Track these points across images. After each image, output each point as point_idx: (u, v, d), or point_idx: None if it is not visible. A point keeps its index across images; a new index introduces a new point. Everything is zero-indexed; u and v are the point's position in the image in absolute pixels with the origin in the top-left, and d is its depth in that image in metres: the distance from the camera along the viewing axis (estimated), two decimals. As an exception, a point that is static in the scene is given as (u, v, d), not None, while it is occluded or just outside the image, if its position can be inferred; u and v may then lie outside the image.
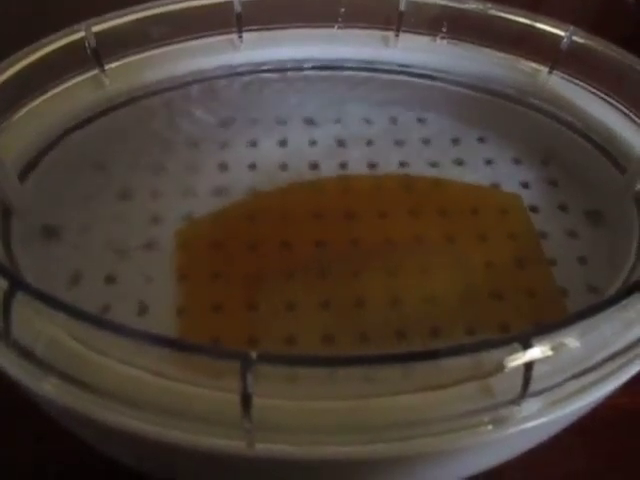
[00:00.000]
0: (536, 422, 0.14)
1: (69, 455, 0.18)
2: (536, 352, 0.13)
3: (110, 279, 0.18)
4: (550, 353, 0.14)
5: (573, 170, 0.22)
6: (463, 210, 0.21)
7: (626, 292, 0.14)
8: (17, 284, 0.13)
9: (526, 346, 0.13)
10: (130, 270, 0.19)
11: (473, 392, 0.14)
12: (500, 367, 0.14)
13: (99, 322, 0.12)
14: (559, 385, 0.14)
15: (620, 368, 0.15)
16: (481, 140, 0.23)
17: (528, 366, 0.13)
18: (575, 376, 0.14)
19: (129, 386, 0.14)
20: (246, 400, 0.12)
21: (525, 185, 0.22)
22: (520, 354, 0.13)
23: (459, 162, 0.23)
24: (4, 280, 0.13)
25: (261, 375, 0.13)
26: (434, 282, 0.20)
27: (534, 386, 0.14)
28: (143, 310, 0.18)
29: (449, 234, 0.21)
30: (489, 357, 0.14)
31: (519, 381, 0.13)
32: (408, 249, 0.20)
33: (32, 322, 0.14)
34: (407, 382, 0.15)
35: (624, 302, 0.14)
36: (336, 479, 0.15)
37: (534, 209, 0.22)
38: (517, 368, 0.13)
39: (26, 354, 0.14)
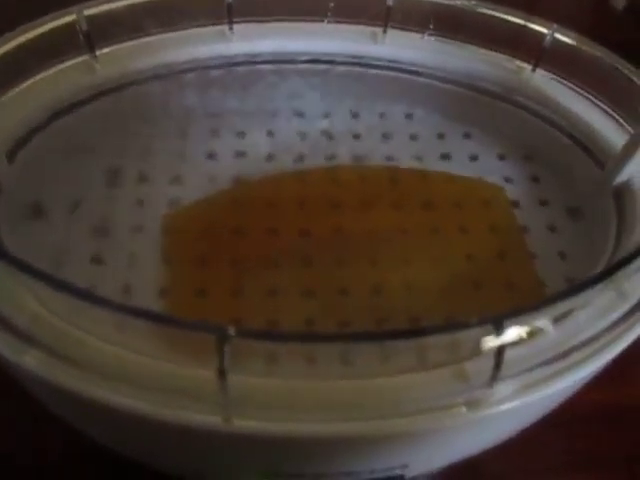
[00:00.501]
0: (509, 405, 0.14)
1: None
2: (509, 335, 0.13)
3: (95, 260, 0.19)
4: (523, 336, 0.14)
5: (555, 166, 0.23)
6: (447, 202, 0.22)
7: (598, 277, 0.14)
8: (5, 256, 0.13)
9: (499, 328, 0.13)
10: (115, 252, 0.19)
11: (448, 375, 0.14)
12: (474, 350, 0.14)
13: (77, 292, 0.13)
14: (532, 369, 0.15)
15: (594, 354, 0.15)
16: (466, 136, 0.24)
17: (500, 349, 0.13)
18: (548, 361, 0.15)
19: (108, 361, 0.14)
20: (222, 375, 0.13)
21: (508, 180, 0.23)
22: (493, 337, 0.13)
23: (445, 157, 0.23)
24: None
25: (240, 353, 0.13)
26: (416, 272, 0.20)
27: (507, 370, 0.14)
28: (127, 291, 0.18)
29: (432, 226, 0.21)
30: (464, 341, 0.15)
31: (491, 365, 0.14)
32: (391, 240, 0.20)
33: (15, 295, 0.14)
34: (384, 365, 0.15)
35: (597, 287, 0.14)
36: (311, 457, 0.15)
37: (516, 204, 0.22)
38: (490, 351, 0.14)
39: (8, 327, 0.14)
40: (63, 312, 0.14)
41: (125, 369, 0.14)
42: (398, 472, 0.17)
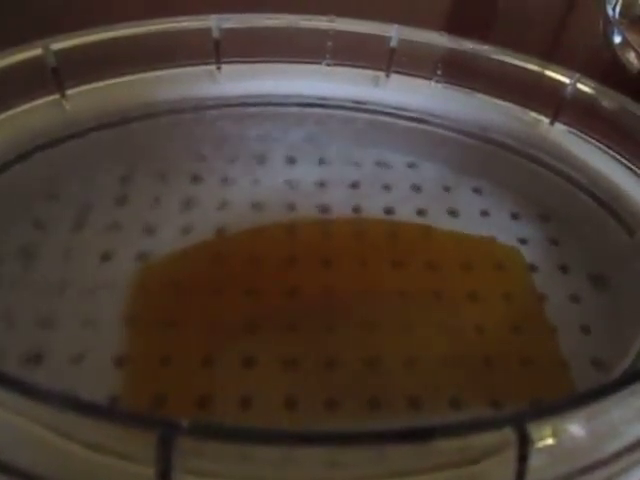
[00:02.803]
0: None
1: None
2: (532, 439, 0.11)
3: (47, 322, 0.16)
4: (550, 441, 0.11)
5: (576, 228, 0.20)
6: (454, 263, 0.19)
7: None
8: None
9: (521, 431, 0.10)
10: (71, 312, 0.16)
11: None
12: (488, 455, 0.12)
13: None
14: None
15: (635, 464, 0.12)
16: (476, 191, 0.22)
17: (522, 456, 0.11)
18: (580, 471, 0.12)
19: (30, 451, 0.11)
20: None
21: (523, 242, 0.20)
22: (513, 440, 0.11)
23: (451, 212, 0.21)
24: None
25: (193, 448, 0.11)
26: (417, 344, 0.17)
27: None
28: (79, 359, 0.15)
29: (437, 290, 0.19)
30: (476, 441, 0.12)
31: (510, 474, 0.11)
32: (389, 304, 0.18)
33: None
34: (378, 467, 0.12)
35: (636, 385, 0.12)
36: None
37: (533, 268, 0.20)
38: (509, 458, 0.11)
39: None
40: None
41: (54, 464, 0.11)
42: None
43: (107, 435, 0.11)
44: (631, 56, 0.48)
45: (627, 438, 0.12)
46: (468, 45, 0.20)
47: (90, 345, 0.16)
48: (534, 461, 0.11)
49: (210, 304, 0.17)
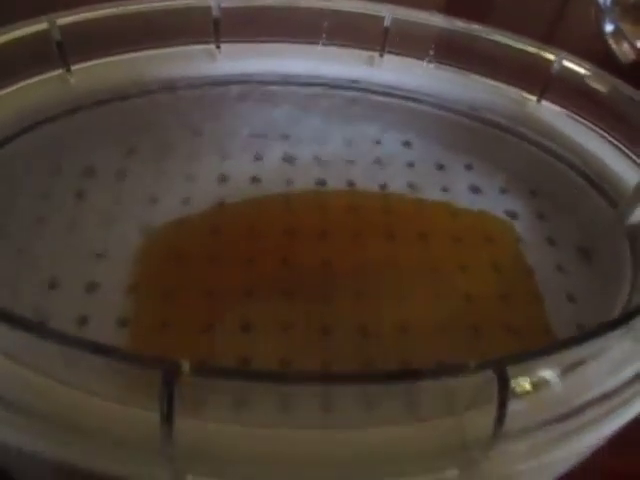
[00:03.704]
0: (512, 469, 0.12)
1: None
2: (512, 384, 0.11)
3: (51, 285, 0.17)
4: (528, 387, 0.12)
5: (562, 203, 0.21)
6: (446, 235, 0.20)
7: (615, 323, 0.13)
8: None
9: (501, 375, 0.11)
10: (75, 278, 0.17)
11: (440, 430, 0.12)
12: (471, 402, 0.12)
13: (11, 319, 0.11)
14: (539, 428, 0.12)
15: (609, 413, 0.13)
16: (468, 167, 0.22)
17: (502, 400, 0.11)
18: (557, 419, 0.13)
19: (39, 398, 0.12)
20: (168, 419, 0.11)
21: (512, 216, 0.21)
22: (494, 385, 0.11)
23: (444, 188, 0.22)
24: None
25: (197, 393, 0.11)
26: (409, 311, 0.18)
27: (509, 427, 0.12)
28: (82, 322, 0.16)
29: (429, 260, 0.19)
30: (461, 390, 0.12)
31: (492, 420, 0.12)
32: (383, 274, 0.19)
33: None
34: (367, 414, 0.13)
35: (613, 334, 0.12)
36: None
37: (521, 241, 0.20)
38: (491, 403, 0.12)
39: None
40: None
41: (60, 409, 0.12)
42: None
43: (113, 381, 0.12)
44: (623, 46, 0.49)
45: (601, 388, 0.13)
46: (459, 24, 0.21)
47: (94, 308, 0.17)
48: (513, 406, 0.12)
49: (210, 272, 0.18)
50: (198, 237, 0.19)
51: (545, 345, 0.12)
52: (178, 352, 0.16)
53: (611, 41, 0.49)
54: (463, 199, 0.21)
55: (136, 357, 0.10)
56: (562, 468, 0.15)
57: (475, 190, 0.22)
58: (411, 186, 0.21)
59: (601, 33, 0.49)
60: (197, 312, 0.17)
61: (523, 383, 0.12)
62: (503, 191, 0.22)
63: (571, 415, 0.13)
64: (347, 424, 0.12)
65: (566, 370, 0.13)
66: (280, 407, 0.12)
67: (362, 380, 0.11)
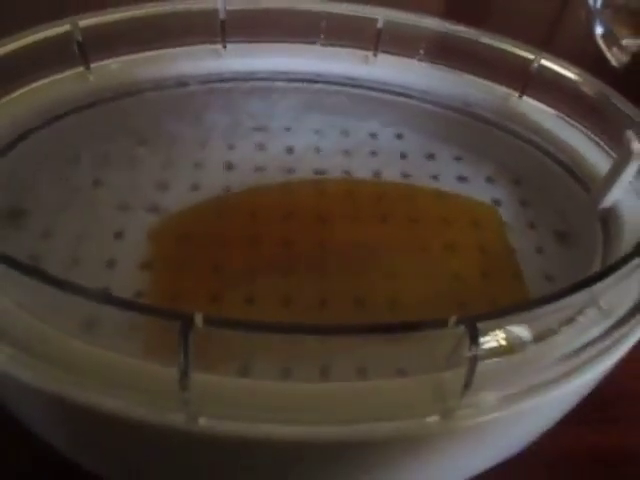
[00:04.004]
0: (482, 417, 0.14)
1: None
2: (483, 339, 0.13)
3: (74, 262, 0.18)
4: (499, 343, 0.14)
5: (543, 190, 0.23)
6: (436, 219, 0.21)
7: (576, 286, 0.14)
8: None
9: (472, 329, 0.13)
10: (94, 256, 0.19)
11: (422, 382, 0.14)
12: (450, 357, 0.14)
13: (47, 279, 0.12)
14: (511, 382, 0.14)
15: (577, 370, 0.15)
16: (457, 158, 0.24)
17: (473, 353, 0.13)
18: (528, 373, 0.14)
19: (73, 357, 0.14)
20: (185, 368, 0.12)
21: (497, 203, 0.23)
22: (466, 340, 0.13)
23: (434, 177, 0.23)
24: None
25: (208, 349, 0.13)
26: (400, 288, 0.20)
27: (483, 381, 0.14)
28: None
29: (419, 242, 0.21)
30: (440, 347, 0.14)
31: (463, 373, 0.13)
32: (376, 254, 0.20)
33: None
34: (359, 370, 0.15)
35: (575, 297, 0.14)
36: (282, 463, 0.14)
37: (505, 225, 0.22)
38: (464, 356, 0.13)
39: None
40: (33, 307, 0.14)
41: (90, 365, 0.14)
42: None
43: (135, 338, 0.14)
44: (613, 49, 0.50)
45: (568, 348, 0.14)
46: (448, 26, 0.23)
47: (113, 283, 0.18)
48: (486, 361, 0.13)
49: (217, 251, 0.20)
50: (206, 220, 0.20)
51: (514, 304, 0.13)
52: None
53: (602, 43, 0.51)
54: (452, 187, 0.23)
55: (157, 310, 0.12)
56: (534, 426, 0.17)
57: (463, 179, 0.23)
58: (404, 175, 0.23)
59: (592, 35, 0.51)
60: (205, 286, 0.19)
61: (494, 338, 0.13)
62: (489, 180, 0.23)
63: (539, 371, 0.14)
64: (341, 379, 0.14)
65: (537, 337, 0.14)
66: (281, 364, 0.14)
67: (346, 330, 0.13)
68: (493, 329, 0.13)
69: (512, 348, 0.14)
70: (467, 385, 0.13)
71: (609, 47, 0.50)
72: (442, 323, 0.13)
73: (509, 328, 0.14)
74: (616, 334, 0.15)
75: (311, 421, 0.13)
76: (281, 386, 0.14)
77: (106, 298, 0.12)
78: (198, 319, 0.12)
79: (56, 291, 0.13)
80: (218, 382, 0.13)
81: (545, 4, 0.56)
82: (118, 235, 0.19)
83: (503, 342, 0.14)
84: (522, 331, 0.14)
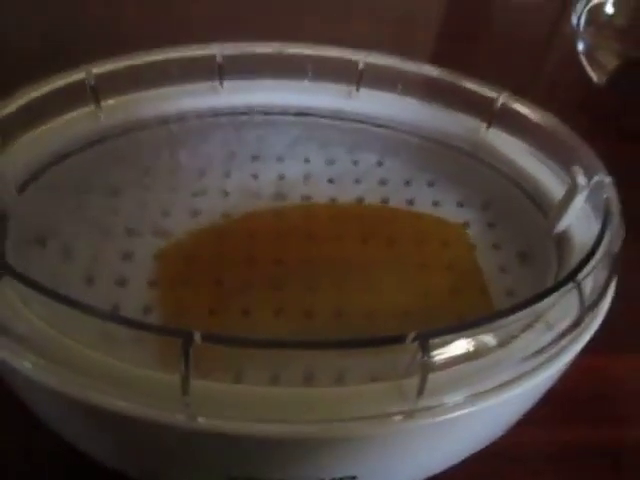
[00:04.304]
0: (437, 419, 0.16)
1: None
2: (433, 352, 0.16)
3: (88, 281, 0.21)
4: (450, 355, 0.16)
5: (508, 214, 0.25)
6: (410, 240, 0.24)
7: (521, 305, 0.17)
8: (6, 269, 0.15)
9: (424, 344, 0.15)
10: (106, 275, 0.21)
11: (387, 388, 0.16)
12: (409, 366, 0.16)
13: (68, 301, 0.15)
14: (463, 387, 0.17)
15: (520, 379, 0.17)
16: (430, 184, 0.26)
17: (424, 364, 0.15)
18: (477, 381, 0.17)
19: (90, 366, 0.16)
20: (186, 376, 0.15)
21: (467, 225, 0.25)
22: (419, 353, 0.16)
23: (410, 201, 0.26)
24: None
25: (207, 360, 0.16)
26: (376, 301, 0.22)
27: (434, 383, 0.16)
28: (115, 309, 0.20)
29: (395, 260, 0.23)
30: (400, 358, 0.17)
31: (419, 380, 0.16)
32: (356, 271, 0.23)
33: (15, 307, 0.17)
34: (336, 377, 0.17)
35: (519, 314, 0.17)
36: (266, 458, 0.17)
37: (472, 246, 0.24)
38: (418, 366, 0.16)
39: (7, 333, 0.16)
40: (56, 322, 0.17)
41: (104, 373, 0.16)
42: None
43: (139, 349, 0.16)
44: (595, 66, 0.52)
45: (522, 353, 0.17)
46: (424, 67, 0.25)
47: (123, 299, 0.21)
48: (439, 371, 0.16)
49: (217, 270, 0.22)
50: (206, 242, 0.23)
51: (461, 323, 0.16)
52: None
53: (584, 60, 0.53)
54: (426, 210, 0.25)
55: (162, 328, 0.15)
56: (486, 426, 0.19)
57: (436, 203, 0.26)
58: (383, 200, 0.26)
59: (576, 52, 0.53)
60: (206, 301, 0.21)
61: (447, 350, 0.16)
62: (459, 204, 0.26)
63: (485, 379, 0.17)
64: (320, 385, 0.17)
65: (482, 349, 0.17)
66: (270, 371, 0.16)
67: (324, 345, 0.15)
68: (447, 342, 0.16)
69: (477, 354, 0.17)
70: (420, 391, 0.16)
71: (590, 64, 0.53)
72: (401, 339, 0.15)
73: (455, 343, 0.16)
74: (559, 346, 0.18)
75: (294, 420, 0.16)
76: (269, 390, 0.16)
77: (120, 318, 0.15)
78: (197, 336, 0.15)
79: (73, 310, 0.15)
80: (214, 387, 0.16)
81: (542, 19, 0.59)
82: (127, 256, 0.22)
83: (460, 351, 0.16)
84: (470, 343, 0.16)
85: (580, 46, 0.53)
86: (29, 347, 0.16)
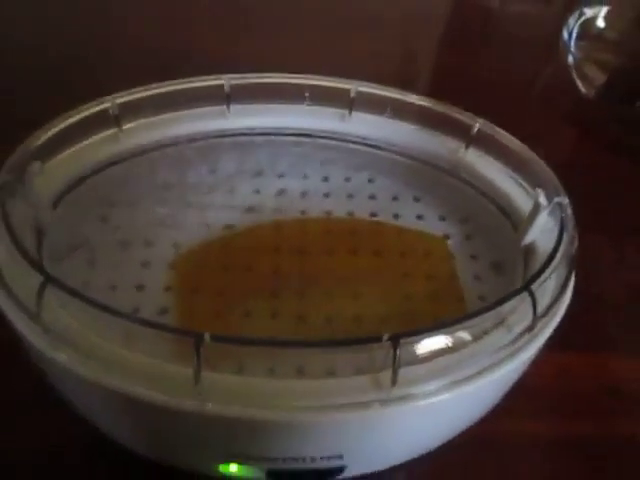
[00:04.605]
0: (408, 410, 0.19)
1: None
2: (404, 350, 0.19)
3: (111, 288, 0.24)
4: (421, 352, 0.19)
5: (484, 227, 0.28)
6: (395, 251, 0.27)
7: (484, 308, 0.20)
8: (49, 279, 0.19)
9: (395, 344, 0.18)
10: (127, 282, 0.24)
11: (366, 380, 0.19)
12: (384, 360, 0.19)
13: (98, 305, 0.18)
14: (432, 379, 0.19)
15: (480, 373, 0.20)
16: (416, 199, 0.29)
17: (396, 360, 0.18)
18: (443, 375, 0.20)
19: (117, 359, 0.19)
20: (197, 369, 0.18)
21: (447, 237, 0.28)
22: (392, 350, 0.19)
23: (396, 215, 0.29)
24: (40, 276, 0.19)
25: (219, 354, 0.19)
26: (363, 307, 0.25)
27: (424, 372, 0.19)
28: (136, 311, 0.24)
29: (380, 269, 0.26)
30: (379, 353, 0.20)
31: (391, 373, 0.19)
32: (345, 279, 0.26)
33: (53, 309, 0.20)
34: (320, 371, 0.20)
35: (483, 316, 0.20)
36: (266, 440, 0.20)
37: (451, 257, 0.27)
38: (390, 362, 0.19)
39: (49, 331, 0.19)
40: (88, 323, 0.20)
41: (128, 365, 0.19)
42: (337, 463, 0.22)
43: (158, 346, 0.19)
44: (584, 79, 0.55)
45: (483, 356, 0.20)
46: (409, 95, 0.28)
47: (142, 303, 0.24)
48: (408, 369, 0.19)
49: (221, 277, 0.25)
50: (213, 253, 0.26)
51: (432, 325, 0.19)
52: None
53: (574, 73, 0.56)
54: (411, 223, 0.28)
55: (177, 330, 0.18)
56: (451, 415, 0.22)
57: (420, 217, 0.29)
58: (372, 214, 0.29)
59: (566, 66, 0.56)
60: (213, 304, 0.24)
61: (415, 349, 0.19)
62: (441, 218, 0.29)
63: (452, 372, 0.20)
64: (310, 377, 0.20)
65: (449, 347, 0.20)
66: (268, 365, 0.19)
67: (312, 344, 0.18)
68: (416, 342, 0.19)
69: (436, 356, 0.20)
70: (394, 382, 0.19)
71: (580, 77, 0.55)
72: (377, 339, 0.18)
73: (425, 342, 0.19)
74: (516, 346, 0.21)
75: (288, 407, 0.19)
76: (266, 381, 0.19)
77: (142, 321, 0.18)
78: (207, 337, 0.18)
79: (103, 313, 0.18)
80: (221, 378, 0.19)
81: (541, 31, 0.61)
82: (145, 265, 0.25)
83: (428, 349, 0.19)
84: (437, 341, 0.19)
85: (570, 59, 0.55)
86: (65, 343, 0.19)
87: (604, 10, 0.58)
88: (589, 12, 0.58)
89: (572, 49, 0.55)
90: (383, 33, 0.54)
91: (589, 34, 0.57)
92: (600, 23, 0.58)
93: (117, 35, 0.50)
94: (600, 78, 0.54)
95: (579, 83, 0.55)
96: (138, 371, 0.19)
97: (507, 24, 0.65)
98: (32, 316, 0.19)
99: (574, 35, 0.57)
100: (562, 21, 0.58)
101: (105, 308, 0.19)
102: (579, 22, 0.57)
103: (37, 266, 0.19)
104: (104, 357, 0.19)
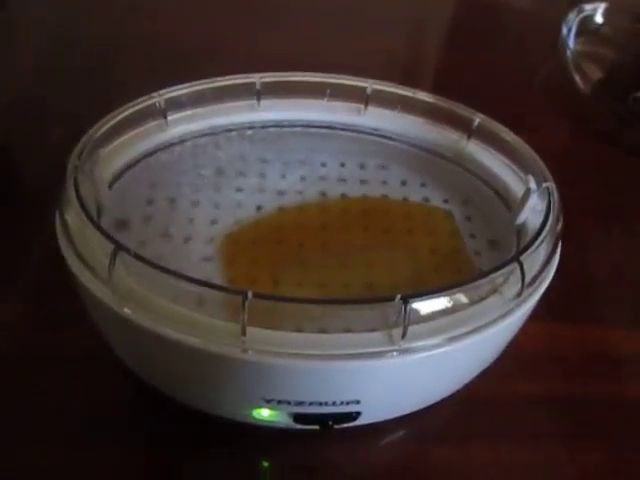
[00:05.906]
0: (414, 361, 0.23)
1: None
2: (413, 307, 0.22)
3: (163, 260, 0.28)
4: (426, 312, 0.23)
5: (482, 209, 0.32)
6: (404, 227, 0.31)
7: (479, 275, 0.24)
8: (120, 247, 0.22)
9: (405, 303, 0.22)
10: (173, 253, 0.28)
11: (382, 335, 0.23)
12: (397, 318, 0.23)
13: (157, 267, 0.22)
14: (436, 335, 0.23)
15: (475, 331, 0.24)
16: (423, 184, 0.33)
17: (406, 315, 0.22)
18: (447, 330, 0.24)
19: (174, 315, 0.23)
20: (243, 322, 0.22)
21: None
22: (403, 308, 0.22)
23: (405, 199, 0.32)
24: (111, 244, 0.23)
25: (258, 312, 0.22)
26: (375, 277, 0.29)
27: (433, 327, 0.23)
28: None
29: (391, 244, 0.30)
30: (392, 313, 0.23)
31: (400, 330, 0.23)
32: (360, 252, 0.29)
33: (120, 271, 0.23)
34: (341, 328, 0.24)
35: (477, 282, 0.24)
36: (296, 384, 0.23)
37: (454, 233, 0.31)
38: (400, 318, 0.22)
39: (115, 291, 0.23)
40: (148, 284, 0.24)
41: (185, 320, 0.23)
42: (354, 408, 0.25)
43: (211, 304, 0.23)
44: (582, 75, 0.58)
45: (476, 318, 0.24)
46: (418, 93, 0.32)
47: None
48: (419, 323, 0.23)
49: (256, 250, 0.29)
50: (249, 230, 0.30)
51: (436, 286, 0.23)
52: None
53: (572, 70, 0.58)
54: (418, 205, 0.32)
55: (226, 288, 0.22)
56: (451, 367, 0.26)
57: (426, 200, 0.32)
58: (383, 196, 0.32)
59: (565, 62, 0.59)
60: (250, 273, 0.28)
61: (421, 308, 0.23)
62: (445, 201, 0.32)
63: (454, 328, 0.23)
64: (332, 332, 0.24)
65: (451, 308, 0.24)
66: (297, 323, 0.23)
67: (335, 302, 0.22)
68: (423, 302, 0.23)
69: (447, 312, 0.23)
70: (403, 336, 0.23)
71: (578, 73, 0.58)
72: (391, 298, 0.22)
73: (430, 302, 0.23)
74: (508, 308, 0.25)
75: (314, 356, 0.23)
76: (296, 335, 0.23)
77: (199, 281, 0.22)
78: (250, 294, 0.22)
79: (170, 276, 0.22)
80: (260, 331, 0.23)
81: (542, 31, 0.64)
82: (187, 240, 0.29)
83: (433, 309, 0.23)
84: (441, 303, 0.23)
85: (568, 54, 0.58)
86: (130, 300, 0.23)
87: (603, 6, 0.61)
88: (588, 8, 0.61)
89: (570, 44, 0.58)
90: (393, 33, 0.57)
91: (588, 30, 0.60)
92: (598, 19, 0.61)
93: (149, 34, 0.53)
94: (597, 73, 0.57)
95: (576, 78, 0.57)
96: (192, 324, 0.23)
97: (510, 20, 0.68)
98: (104, 280, 0.23)
99: (573, 31, 0.60)
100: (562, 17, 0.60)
101: (168, 271, 0.22)
102: (578, 18, 0.60)
103: (110, 236, 0.23)
104: (164, 314, 0.23)
